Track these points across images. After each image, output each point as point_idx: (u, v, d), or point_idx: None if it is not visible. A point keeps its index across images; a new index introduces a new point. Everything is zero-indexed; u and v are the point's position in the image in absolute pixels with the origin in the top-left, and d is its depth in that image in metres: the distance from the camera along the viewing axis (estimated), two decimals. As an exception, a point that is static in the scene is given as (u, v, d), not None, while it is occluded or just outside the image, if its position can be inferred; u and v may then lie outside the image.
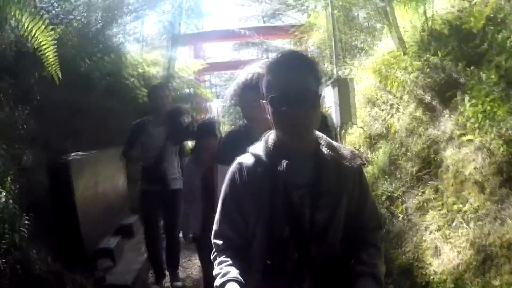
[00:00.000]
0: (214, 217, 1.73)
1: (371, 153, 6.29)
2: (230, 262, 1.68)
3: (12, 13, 3.07)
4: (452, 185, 3.81)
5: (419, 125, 5.01)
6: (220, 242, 1.78)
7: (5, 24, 5.79)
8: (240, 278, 1.60)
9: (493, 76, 4.07)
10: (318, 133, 1.76)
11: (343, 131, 6.98)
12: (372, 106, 7.02)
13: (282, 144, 1.68)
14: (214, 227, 1.82)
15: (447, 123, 4.50)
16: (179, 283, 5.18)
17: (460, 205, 3.54)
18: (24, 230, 3.42)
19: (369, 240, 1.76)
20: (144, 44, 15.89)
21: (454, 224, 3.54)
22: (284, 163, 1.62)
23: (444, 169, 4.11)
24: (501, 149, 3.26)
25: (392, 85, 6.15)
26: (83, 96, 7.70)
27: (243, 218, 1.71)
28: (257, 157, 1.71)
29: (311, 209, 1.63)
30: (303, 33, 14.27)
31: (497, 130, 3.41)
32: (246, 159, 1.75)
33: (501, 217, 3.06)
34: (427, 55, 5.58)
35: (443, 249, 3.55)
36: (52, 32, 3.54)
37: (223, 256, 1.72)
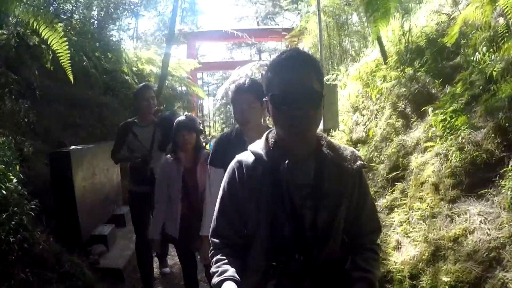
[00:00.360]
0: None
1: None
2: (227, 260, 1.69)
3: (30, 21, 3.37)
4: (414, 186, 4.26)
5: (392, 131, 5.44)
6: (217, 240, 1.77)
7: (7, 21, 6.03)
8: (237, 277, 1.61)
9: (458, 89, 4.53)
10: (319, 132, 1.75)
11: (326, 135, 7.37)
12: (354, 112, 7.35)
13: (283, 143, 1.67)
14: (212, 225, 1.80)
15: (416, 131, 4.95)
16: (167, 269, 5.62)
17: (419, 204, 3.99)
18: (31, 212, 3.81)
19: (367, 243, 1.76)
20: (139, 43, 16.14)
21: (413, 221, 3.99)
22: (285, 162, 1.61)
23: (409, 172, 4.55)
24: (455, 155, 3.71)
25: (372, 92, 6.57)
26: (81, 92, 8.08)
27: (241, 216, 1.70)
28: (257, 156, 1.69)
29: (313, 210, 1.62)
30: (295, 36, 14.67)
31: (454, 138, 3.86)
32: (246, 157, 1.73)
33: (451, 215, 3.52)
34: (404, 66, 6.04)
35: (403, 243, 4.00)
36: (65, 38, 3.75)
37: (220, 255, 1.73)
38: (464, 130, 3.79)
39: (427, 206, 3.86)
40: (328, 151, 1.68)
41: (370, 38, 8.00)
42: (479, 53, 4.36)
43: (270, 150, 1.67)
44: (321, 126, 7.48)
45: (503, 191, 3.11)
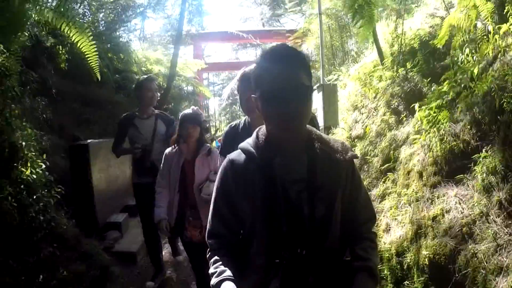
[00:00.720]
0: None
1: (350, 152, 7.10)
2: (225, 261, 1.70)
3: (62, 28, 3.75)
4: (403, 175, 4.67)
5: (386, 127, 5.84)
6: (213, 241, 1.78)
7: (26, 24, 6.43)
8: (235, 277, 1.62)
9: (445, 88, 4.92)
10: (309, 127, 1.74)
11: (327, 132, 7.75)
12: (354, 110, 7.72)
13: (274, 139, 1.67)
14: (208, 226, 1.81)
15: (406, 126, 5.35)
16: (180, 257, 5.95)
17: (406, 190, 4.40)
18: (57, 195, 4.24)
19: (363, 232, 1.79)
20: (145, 43, 16.52)
21: (400, 205, 4.40)
22: (278, 159, 1.63)
23: (399, 163, 4.96)
24: (436, 145, 4.12)
25: (369, 91, 6.97)
26: (94, 91, 8.53)
27: (236, 216, 1.69)
28: (248, 154, 1.69)
29: (309, 203, 1.61)
30: (298, 38, 15.05)
31: (436, 130, 4.26)
32: (237, 155, 1.73)
33: (432, 198, 3.92)
34: (398, 67, 6.44)
35: (391, 226, 4.40)
36: (94, 42, 4.06)
37: (217, 255, 1.73)
38: (445, 123, 4.19)
39: (412, 191, 4.27)
40: (319, 144, 1.70)
41: (369, 40, 8.35)
42: (463, 54, 4.75)
43: (261, 147, 1.67)
44: (321, 124, 7.92)
45: (477, 175, 3.51)
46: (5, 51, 3.92)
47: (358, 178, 1.79)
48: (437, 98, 4.70)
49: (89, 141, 5.90)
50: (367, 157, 5.82)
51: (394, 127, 5.67)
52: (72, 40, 3.86)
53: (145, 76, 5.47)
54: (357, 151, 6.53)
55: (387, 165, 5.24)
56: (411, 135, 5.04)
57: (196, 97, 15.60)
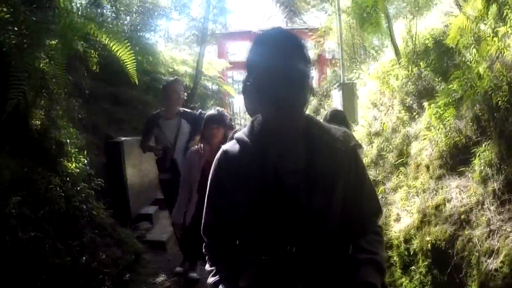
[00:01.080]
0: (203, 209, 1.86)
1: (369, 147, 7.41)
2: (220, 257, 1.67)
3: (98, 37, 4.19)
4: (413, 169, 5.01)
5: (400, 124, 6.16)
6: (208, 237, 1.73)
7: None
8: (232, 274, 1.59)
9: (455, 86, 5.21)
10: (307, 114, 1.63)
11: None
12: (373, 108, 8.03)
13: (269, 128, 1.56)
14: (203, 220, 1.74)
15: (419, 123, 5.66)
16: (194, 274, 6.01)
17: (415, 183, 4.74)
18: (98, 187, 4.73)
19: (368, 225, 1.67)
20: (170, 44, 16.95)
21: (409, 196, 4.75)
22: (273, 147, 1.54)
23: (410, 157, 5.29)
24: (442, 141, 4.44)
25: (387, 89, 7.27)
26: (125, 91, 9.04)
27: (231, 209, 1.60)
28: (242, 144, 1.60)
29: (307, 195, 1.51)
30: (320, 36, 15.28)
31: (443, 127, 4.58)
32: (231, 146, 1.66)
33: (436, 189, 4.26)
34: (412, 66, 6.73)
35: (401, 215, 4.75)
36: (132, 51, 4.47)
37: (213, 252, 1.70)
38: (451, 120, 4.51)
39: (420, 183, 4.61)
40: (319, 132, 1.60)
41: (387, 39, 8.57)
42: (470, 54, 5.04)
43: (256, 136, 1.59)
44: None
45: (475, 167, 3.84)
46: (44, 57, 4.34)
47: (362, 169, 1.68)
48: (445, 96, 5.01)
49: (122, 138, 6.37)
50: (383, 152, 6.15)
51: (408, 124, 5.98)
52: (111, 48, 4.24)
53: (171, 78, 5.75)
54: (374, 147, 6.84)
55: (400, 160, 5.56)
56: (422, 131, 5.36)
57: (221, 95, 15.99)
